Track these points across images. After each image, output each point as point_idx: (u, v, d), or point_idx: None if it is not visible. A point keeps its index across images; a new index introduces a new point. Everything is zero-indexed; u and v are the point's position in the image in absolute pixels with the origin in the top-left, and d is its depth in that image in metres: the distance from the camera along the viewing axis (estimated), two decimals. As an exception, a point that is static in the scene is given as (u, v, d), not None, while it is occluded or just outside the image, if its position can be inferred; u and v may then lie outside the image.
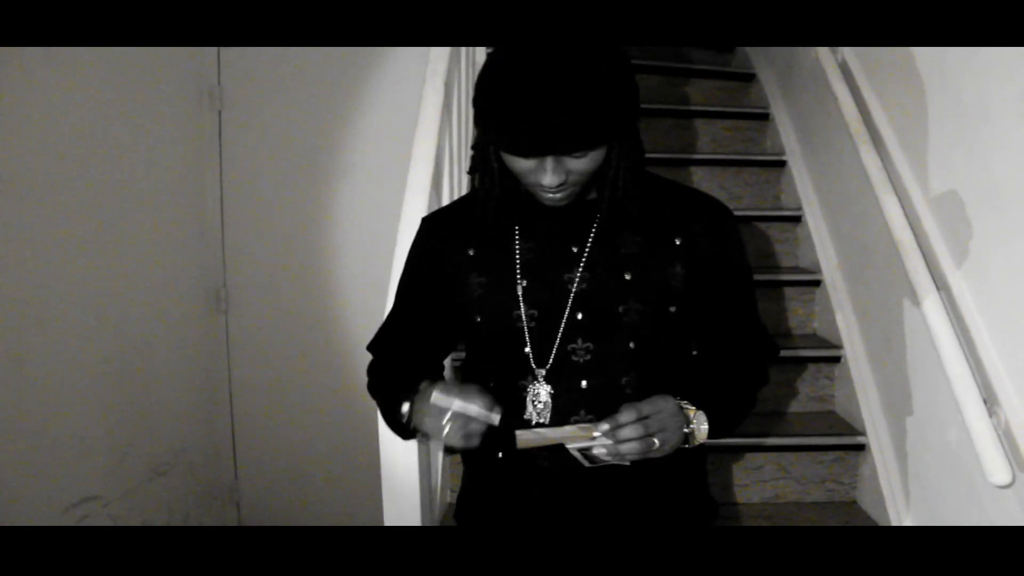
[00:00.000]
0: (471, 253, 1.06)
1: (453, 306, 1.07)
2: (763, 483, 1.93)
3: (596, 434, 0.90)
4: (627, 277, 1.01)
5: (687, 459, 1.10)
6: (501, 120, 0.87)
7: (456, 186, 1.98)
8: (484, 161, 0.99)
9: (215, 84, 2.67)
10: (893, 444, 1.80)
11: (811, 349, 2.11)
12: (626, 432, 0.88)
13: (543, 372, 1.00)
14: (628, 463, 0.94)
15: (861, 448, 1.91)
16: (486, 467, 1.09)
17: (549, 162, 0.90)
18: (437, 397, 0.91)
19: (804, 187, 2.42)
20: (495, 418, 0.90)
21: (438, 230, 1.11)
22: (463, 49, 2.10)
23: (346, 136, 2.70)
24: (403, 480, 1.40)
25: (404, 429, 1.03)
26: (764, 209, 2.50)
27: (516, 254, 1.04)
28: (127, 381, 2.26)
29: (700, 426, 0.96)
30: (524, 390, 1.01)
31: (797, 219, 2.41)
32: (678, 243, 1.03)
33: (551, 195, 0.96)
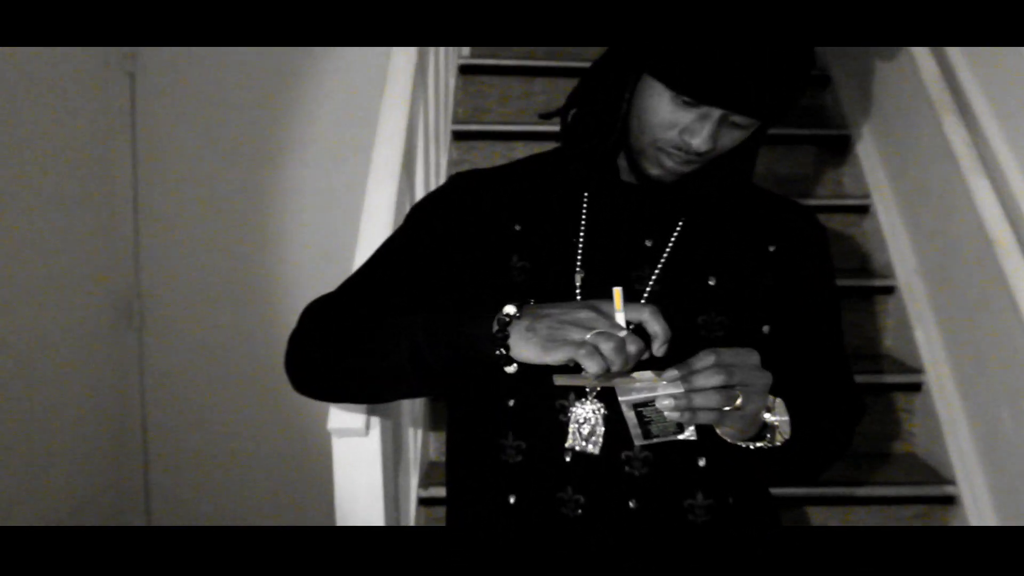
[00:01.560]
0: (517, 228, 1.06)
1: (476, 290, 1.04)
2: (825, 545, 1.91)
3: (663, 381, 0.84)
4: (711, 283, 1.03)
5: (759, 511, 1.08)
6: (702, 57, 0.90)
7: (433, 169, 1.96)
8: (615, 99, 1.00)
9: (126, 39, 2.66)
10: (991, 495, 1.79)
11: (884, 374, 2.09)
12: (702, 379, 0.83)
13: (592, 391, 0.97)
14: (695, 438, 0.90)
15: (951, 501, 1.90)
16: (491, 515, 1.03)
17: (713, 120, 0.93)
18: (618, 298, 0.85)
19: (873, 169, 2.42)
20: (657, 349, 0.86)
21: (474, 191, 1.09)
22: None
23: (296, 107, 2.69)
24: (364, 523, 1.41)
25: (464, 351, 0.92)
26: (822, 197, 2.49)
27: (580, 238, 1.04)
28: (10, 417, 2.22)
29: (781, 416, 0.93)
30: (564, 412, 0.99)
31: (864, 209, 2.41)
32: (772, 250, 1.06)
33: (678, 162, 0.98)
